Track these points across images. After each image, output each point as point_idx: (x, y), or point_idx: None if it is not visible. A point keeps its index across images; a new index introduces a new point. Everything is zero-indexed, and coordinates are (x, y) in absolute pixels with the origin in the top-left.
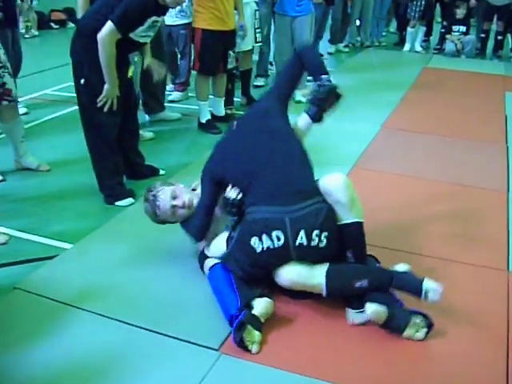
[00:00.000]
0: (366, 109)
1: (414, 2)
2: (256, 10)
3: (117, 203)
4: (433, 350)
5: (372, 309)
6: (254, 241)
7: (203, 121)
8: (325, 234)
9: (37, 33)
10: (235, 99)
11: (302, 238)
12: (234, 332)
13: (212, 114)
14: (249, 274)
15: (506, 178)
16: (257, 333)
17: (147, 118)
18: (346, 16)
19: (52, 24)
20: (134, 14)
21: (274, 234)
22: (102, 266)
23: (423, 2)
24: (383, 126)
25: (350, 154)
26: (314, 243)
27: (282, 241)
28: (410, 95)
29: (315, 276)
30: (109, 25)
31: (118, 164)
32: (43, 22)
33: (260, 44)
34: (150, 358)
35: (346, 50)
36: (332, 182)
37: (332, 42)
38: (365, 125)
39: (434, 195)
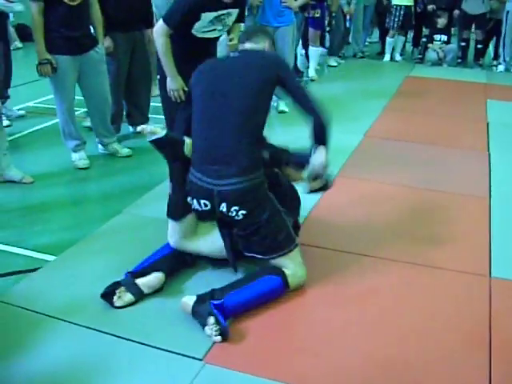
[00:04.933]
0: (349, 118)
1: (393, 12)
2: None
3: None
4: (414, 354)
5: (182, 299)
6: (189, 199)
7: None
8: (242, 211)
9: (20, 45)
10: None
11: (223, 207)
12: (108, 286)
13: None
14: None
15: (488, 184)
16: (129, 295)
17: (131, 129)
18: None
19: None
20: (182, 9)
21: (202, 202)
22: (85, 278)
23: (402, 12)
24: (366, 135)
25: (333, 162)
26: (231, 214)
27: (208, 207)
28: (392, 104)
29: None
30: (160, 21)
31: None
32: (26, 35)
33: None
34: (134, 368)
35: (343, 61)
36: None
37: (333, 53)
38: (348, 134)
39: (417, 202)
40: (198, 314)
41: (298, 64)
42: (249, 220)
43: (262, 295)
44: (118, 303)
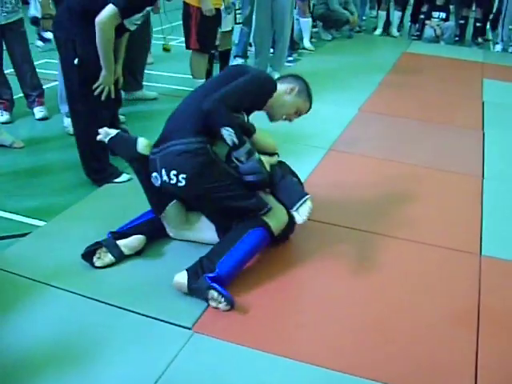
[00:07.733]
0: (344, 92)
1: None
2: None
3: (115, 180)
4: (403, 330)
5: (174, 279)
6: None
7: None
8: (182, 175)
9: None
10: None
11: (164, 175)
12: (89, 246)
13: None
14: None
15: (481, 163)
16: (109, 255)
17: (123, 95)
18: None
19: None
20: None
21: (153, 175)
22: (75, 243)
23: None
24: (361, 110)
25: (327, 136)
26: (173, 182)
27: (159, 180)
28: (388, 79)
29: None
30: (111, 9)
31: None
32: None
33: (240, 25)
34: (122, 336)
35: (339, 35)
36: None
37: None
38: (343, 108)
39: (410, 179)
40: (197, 290)
41: (294, 36)
42: (193, 186)
43: (251, 252)
44: (97, 263)
